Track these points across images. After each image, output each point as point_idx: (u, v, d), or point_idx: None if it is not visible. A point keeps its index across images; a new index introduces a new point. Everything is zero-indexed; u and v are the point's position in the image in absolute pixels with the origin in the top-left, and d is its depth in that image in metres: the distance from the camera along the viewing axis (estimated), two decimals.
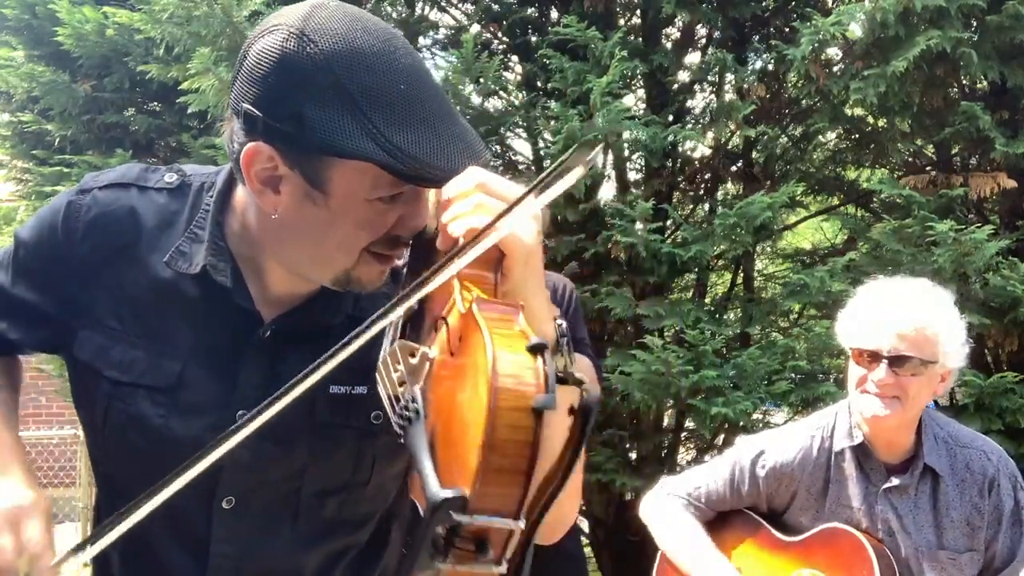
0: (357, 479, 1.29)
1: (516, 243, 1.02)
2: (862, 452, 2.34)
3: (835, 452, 2.36)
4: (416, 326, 1.10)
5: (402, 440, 0.93)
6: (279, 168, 1.13)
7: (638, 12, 5.55)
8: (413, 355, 0.99)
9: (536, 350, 0.88)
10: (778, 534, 2.42)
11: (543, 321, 1.05)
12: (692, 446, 5.68)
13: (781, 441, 2.44)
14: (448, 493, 0.82)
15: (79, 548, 1.06)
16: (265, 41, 1.11)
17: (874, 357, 2.23)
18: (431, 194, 1.18)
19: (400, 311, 1.01)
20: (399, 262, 1.24)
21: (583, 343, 2.86)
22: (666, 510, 2.50)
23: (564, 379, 0.89)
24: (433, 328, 1.05)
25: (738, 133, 5.02)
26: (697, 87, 5.49)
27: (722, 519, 2.50)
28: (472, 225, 1.01)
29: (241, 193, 1.25)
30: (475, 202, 1.04)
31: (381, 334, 1.09)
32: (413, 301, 1.01)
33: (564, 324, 1.08)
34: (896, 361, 2.20)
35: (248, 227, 1.24)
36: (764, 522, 2.45)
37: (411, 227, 1.17)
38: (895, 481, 2.30)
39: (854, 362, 2.29)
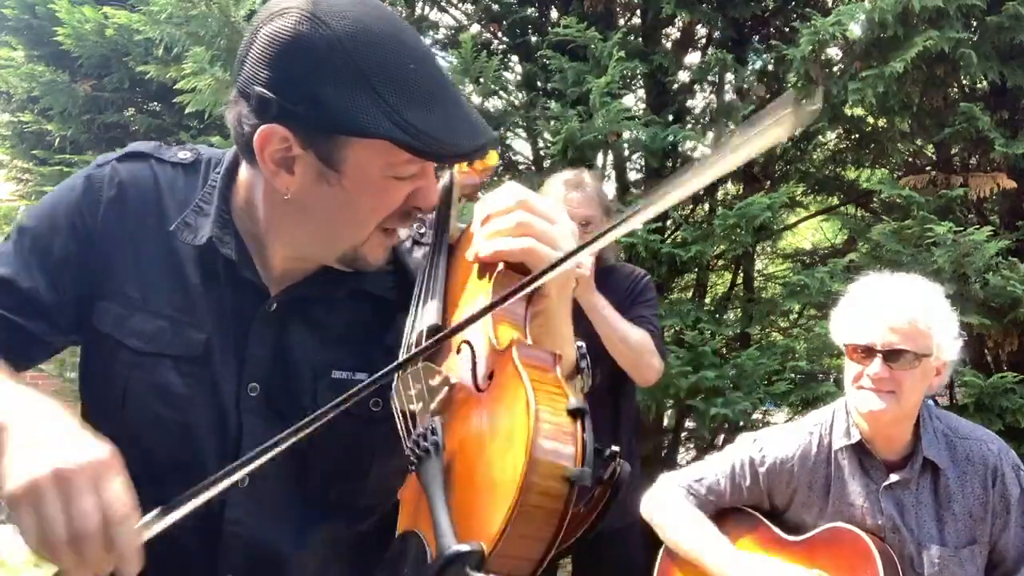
0: (358, 468, 1.30)
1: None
2: (861, 450, 2.34)
3: (834, 450, 2.36)
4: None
5: (414, 471, 0.91)
6: (293, 149, 1.13)
7: (638, 12, 5.55)
8: (434, 377, 0.98)
9: (576, 414, 0.85)
10: (781, 533, 2.42)
11: (568, 345, 1.07)
12: (692, 446, 5.68)
13: (781, 438, 2.44)
14: (465, 548, 0.80)
15: (161, 514, 1.00)
16: (276, 24, 1.11)
17: (868, 352, 2.24)
18: (444, 175, 1.21)
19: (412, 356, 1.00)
20: (401, 236, 1.25)
21: (646, 319, 3.08)
22: (667, 499, 2.50)
23: (600, 451, 0.87)
24: (456, 350, 1.03)
25: None
26: (697, 87, 5.49)
27: (724, 517, 2.50)
28: (512, 247, 1.02)
29: (245, 173, 1.26)
30: (516, 220, 1.05)
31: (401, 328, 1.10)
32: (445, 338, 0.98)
33: (584, 346, 1.09)
34: (890, 355, 2.21)
35: (253, 205, 1.25)
36: (767, 520, 2.45)
37: (423, 202, 1.18)
38: (895, 477, 2.30)
39: (848, 358, 2.30)
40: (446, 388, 0.97)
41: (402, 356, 1.06)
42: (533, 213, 1.05)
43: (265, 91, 1.10)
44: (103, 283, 1.28)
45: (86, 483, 0.97)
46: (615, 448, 0.89)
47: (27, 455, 0.98)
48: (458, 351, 1.01)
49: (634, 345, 3.00)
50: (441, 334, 0.98)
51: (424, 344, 0.99)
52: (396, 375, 1.02)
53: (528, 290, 0.93)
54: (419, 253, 1.28)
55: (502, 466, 0.84)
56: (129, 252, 1.28)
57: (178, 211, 1.29)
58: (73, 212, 1.29)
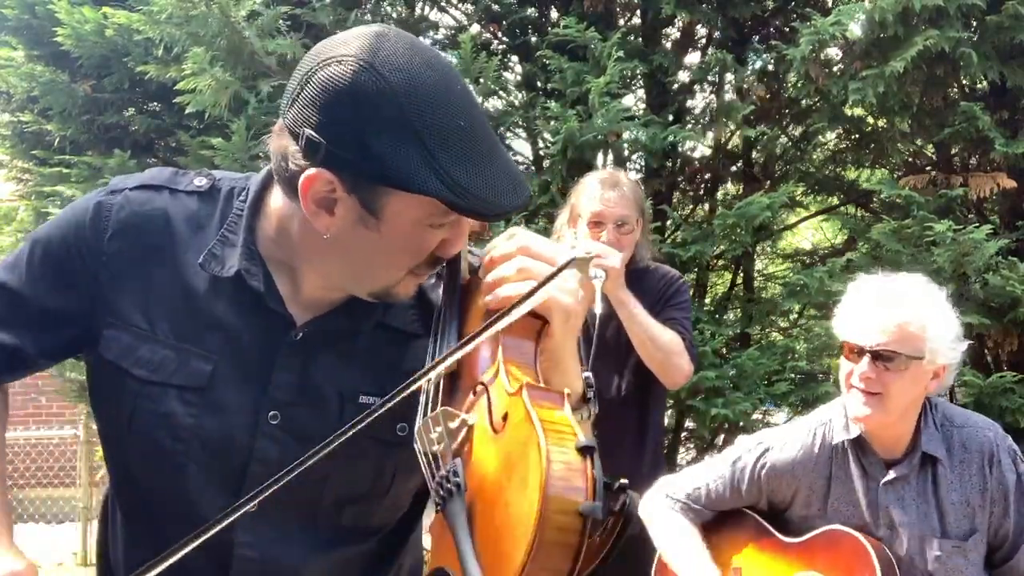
0: (377, 490, 1.32)
1: (558, 306, 1.08)
2: (860, 446, 2.34)
3: (834, 446, 2.36)
4: (454, 382, 1.14)
5: (441, 511, 0.97)
6: (337, 192, 1.15)
7: (638, 12, 5.55)
8: (452, 420, 1.03)
9: (585, 452, 0.91)
10: (779, 535, 2.42)
11: (575, 378, 1.13)
12: (692, 446, 5.69)
13: (783, 440, 2.43)
14: None
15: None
16: (333, 70, 1.12)
17: (859, 351, 2.24)
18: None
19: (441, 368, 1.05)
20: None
21: (677, 322, 3.06)
22: (663, 512, 2.50)
23: (609, 485, 0.92)
24: (472, 391, 1.08)
25: (738, 133, 5.02)
26: (697, 87, 5.49)
27: (723, 519, 2.50)
28: (515, 292, 1.06)
29: (279, 203, 1.28)
30: (517, 266, 1.10)
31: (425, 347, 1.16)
32: (455, 358, 1.04)
33: (590, 376, 1.15)
34: (880, 356, 2.21)
35: (287, 235, 1.27)
36: (765, 522, 2.45)
37: (452, 250, 1.22)
38: (893, 474, 2.30)
39: (844, 356, 2.30)
40: (465, 430, 1.02)
41: (419, 411, 1.10)
42: (534, 257, 1.10)
43: (315, 134, 1.12)
44: (109, 311, 1.29)
45: None
46: (624, 481, 0.95)
47: None
48: (474, 392, 1.06)
49: (662, 346, 2.96)
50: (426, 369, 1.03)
51: (424, 368, 1.03)
52: (419, 418, 1.08)
53: (490, 332, 1.01)
54: (441, 290, 1.30)
55: (519, 504, 0.90)
56: (136, 281, 1.29)
57: (193, 240, 1.30)
58: (80, 235, 1.30)
